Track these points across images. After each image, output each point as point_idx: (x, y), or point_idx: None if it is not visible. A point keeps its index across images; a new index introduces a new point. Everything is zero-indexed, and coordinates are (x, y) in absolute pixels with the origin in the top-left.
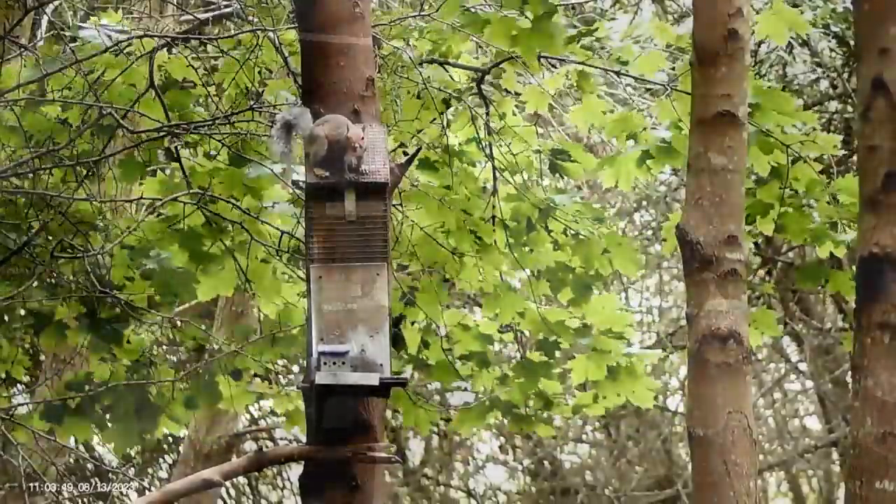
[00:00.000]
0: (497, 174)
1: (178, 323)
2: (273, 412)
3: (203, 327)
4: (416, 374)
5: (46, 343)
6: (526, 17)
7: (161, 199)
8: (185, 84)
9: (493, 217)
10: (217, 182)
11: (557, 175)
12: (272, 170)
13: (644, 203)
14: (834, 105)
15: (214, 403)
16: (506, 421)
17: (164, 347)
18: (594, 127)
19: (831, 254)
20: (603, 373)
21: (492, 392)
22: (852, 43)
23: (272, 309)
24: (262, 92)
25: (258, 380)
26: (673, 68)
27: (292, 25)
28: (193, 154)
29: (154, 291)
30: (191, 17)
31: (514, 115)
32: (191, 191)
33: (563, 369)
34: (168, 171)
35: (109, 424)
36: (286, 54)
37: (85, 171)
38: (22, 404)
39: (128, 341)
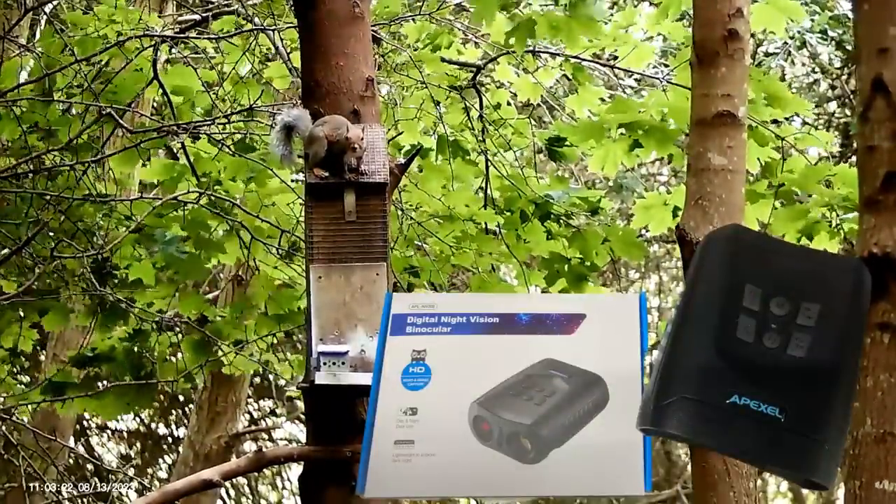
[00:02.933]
0: (490, 163)
1: (177, 322)
2: (272, 412)
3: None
4: None
5: (51, 326)
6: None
7: (161, 200)
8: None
9: (486, 202)
10: (222, 167)
11: (556, 165)
12: (273, 170)
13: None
14: (833, 106)
15: (215, 369)
16: None
17: (164, 318)
18: (591, 113)
19: None
20: None
21: None
22: (850, 47)
23: (265, 293)
24: (265, 90)
25: (262, 351)
26: (665, 64)
27: (291, 24)
28: (195, 145)
29: (160, 271)
30: (193, 14)
31: (509, 104)
32: (190, 190)
33: None
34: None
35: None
36: (287, 51)
37: (83, 170)
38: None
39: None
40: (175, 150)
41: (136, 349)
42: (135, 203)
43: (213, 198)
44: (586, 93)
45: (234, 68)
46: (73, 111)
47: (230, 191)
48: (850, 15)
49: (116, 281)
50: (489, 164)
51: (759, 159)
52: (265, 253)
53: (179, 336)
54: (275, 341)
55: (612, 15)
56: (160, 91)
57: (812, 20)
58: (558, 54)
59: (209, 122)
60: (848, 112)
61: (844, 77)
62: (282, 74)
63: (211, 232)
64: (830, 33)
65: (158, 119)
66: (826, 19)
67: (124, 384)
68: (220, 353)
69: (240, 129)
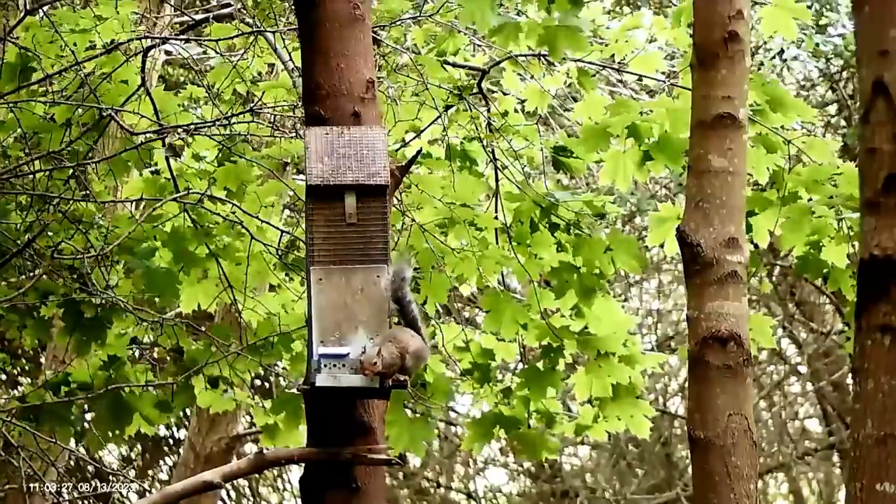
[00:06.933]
0: (499, 174)
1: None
2: None
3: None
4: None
5: (30, 340)
6: (551, 17)
7: (161, 200)
8: (173, 86)
9: (496, 210)
10: (210, 178)
11: (560, 172)
12: (272, 171)
13: (647, 201)
14: (831, 110)
15: (189, 405)
16: (510, 443)
17: (141, 346)
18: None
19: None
20: (608, 390)
21: (495, 407)
22: (837, 60)
23: (256, 318)
24: (254, 95)
25: (237, 389)
26: (672, 68)
27: (291, 27)
28: (171, 153)
29: (136, 289)
30: (187, 17)
31: (516, 111)
32: (191, 191)
33: (565, 383)
34: (154, 170)
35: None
36: (289, 51)
37: (82, 172)
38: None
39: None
40: (175, 150)
41: (111, 375)
42: (118, 218)
43: (199, 211)
44: (591, 101)
45: (233, 65)
46: (59, 116)
47: (211, 216)
48: (843, 31)
49: (98, 302)
50: (498, 171)
51: (768, 168)
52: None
53: (156, 368)
54: (250, 379)
55: (609, 19)
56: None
57: (805, 33)
58: (565, 57)
59: (209, 124)
60: (843, 122)
61: (842, 83)
62: (283, 87)
63: (194, 249)
64: (823, 48)
65: (158, 122)
66: (812, 45)
67: (102, 410)
68: (196, 388)
69: (240, 131)
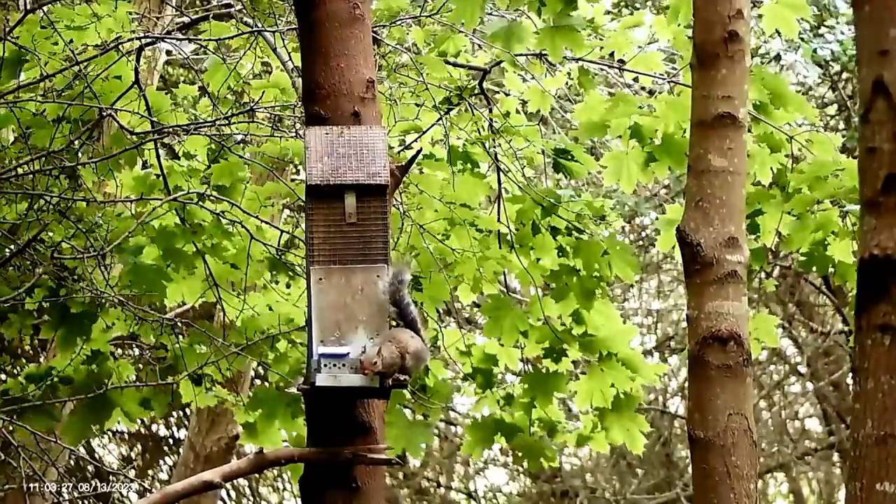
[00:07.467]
0: (501, 176)
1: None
2: None
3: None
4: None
5: (10, 333)
6: (544, 20)
7: (160, 200)
8: (173, 86)
9: (500, 231)
10: (201, 177)
11: (561, 175)
12: (270, 170)
13: (644, 205)
14: (832, 110)
15: (177, 407)
16: (512, 450)
17: (141, 345)
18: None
19: None
20: (608, 400)
21: (500, 410)
22: (836, 66)
23: (241, 316)
24: (250, 94)
25: (219, 386)
26: (674, 69)
27: (291, 27)
28: (170, 155)
29: (123, 285)
30: (187, 18)
31: (518, 112)
32: (190, 191)
33: (568, 389)
34: (146, 170)
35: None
36: (288, 51)
37: (60, 173)
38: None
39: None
40: (172, 151)
41: (94, 370)
42: (109, 214)
43: (189, 209)
44: (591, 102)
45: (233, 68)
46: (49, 114)
47: (203, 214)
48: (840, 36)
49: (86, 299)
50: (500, 174)
51: (772, 169)
52: (228, 284)
53: (155, 367)
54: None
55: (609, 20)
56: (162, 85)
57: (803, 38)
58: (565, 57)
59: (208, 124)
60: (842, 123)
61: (842, 84)
62: (277, 86)
63: (182, 246)
64: (821, 52)
65: (157, 122)
66: (809, 52)
67: (82, 404)
68: (179, 384)
69: (240, 130)
